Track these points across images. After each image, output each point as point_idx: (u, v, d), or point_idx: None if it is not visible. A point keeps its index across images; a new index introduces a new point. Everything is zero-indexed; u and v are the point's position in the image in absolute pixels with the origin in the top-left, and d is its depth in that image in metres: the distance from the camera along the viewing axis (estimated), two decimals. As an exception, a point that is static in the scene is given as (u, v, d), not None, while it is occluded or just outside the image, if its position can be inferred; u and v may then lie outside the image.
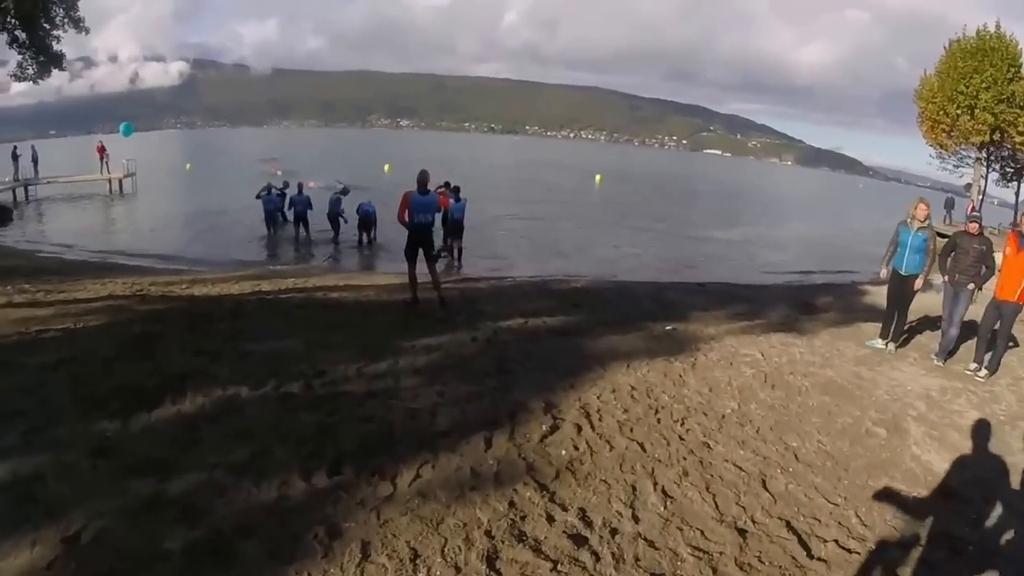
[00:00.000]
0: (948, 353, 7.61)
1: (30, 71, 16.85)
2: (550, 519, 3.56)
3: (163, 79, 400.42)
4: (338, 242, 17.30)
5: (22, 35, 16.23)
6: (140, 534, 3.16)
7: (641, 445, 4.62)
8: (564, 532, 3.44)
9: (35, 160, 28.78)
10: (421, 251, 8.87)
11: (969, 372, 7.19)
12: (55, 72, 18.16)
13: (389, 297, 9.64)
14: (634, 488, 4.00)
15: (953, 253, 7.47)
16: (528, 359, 6.54)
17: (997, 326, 7.20)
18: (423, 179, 8.67)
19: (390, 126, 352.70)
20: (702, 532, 3.60)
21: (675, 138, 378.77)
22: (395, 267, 11.42)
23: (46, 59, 16.78)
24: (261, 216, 18.16)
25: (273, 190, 18.24)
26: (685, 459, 4.48)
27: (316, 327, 7.39)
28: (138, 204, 26.82)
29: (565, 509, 3.67)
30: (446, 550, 3.21)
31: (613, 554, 3.31)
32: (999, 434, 5.45)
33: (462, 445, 4.33)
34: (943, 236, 8.11)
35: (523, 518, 3.55)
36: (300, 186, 18.18)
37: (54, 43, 16.83)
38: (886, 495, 4.23)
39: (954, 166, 31.00)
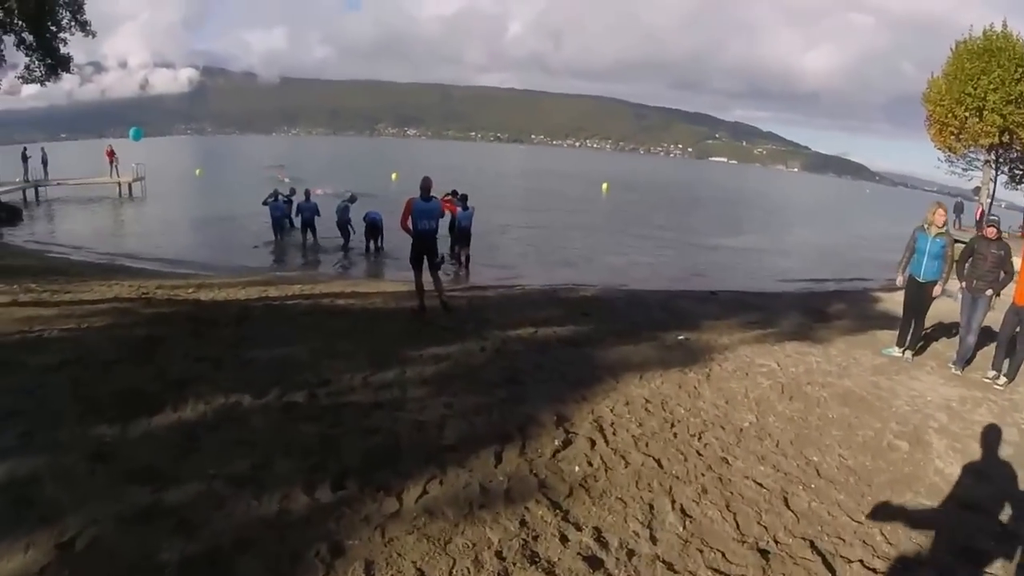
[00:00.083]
0: (965, 361, 7.44)
1: (37, 73, 16.92)
2: (564, 539, 3.38)
3: (173, 85, 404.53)
4: (347, 249, 17.20)
5: (29, 37, 16.29)
6: (135, 544, 3.05)
7: (658, 461, 4.44)
8: (579, 553, 3.27)
9: (45, 162, 28.92)
10: (426, 258, 8.80)
11: (987, 380, 7.04)
12: (66, 76, 18.28)
13: (396, 305, 9.49)
14: (651, 506, 3.83)
15: (971, 259, 7.32)
16: (538, 369, 6.38)
17: (1017, 331, 7.05)
18: (426, 185, 8.61)
19: (397, 135, 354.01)
20: (723, 554, 3.42)
21: (681, 146, 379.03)
22: (402, 275, 11.29)
23: (54, 62, 16.83)
24: (268, 222, 18.08)
25: (280, 197, 18.18)
26: (703, 475, 4.31)
27: (322, 334, 7.26)
28: (147, 208, 26.82)
29: (579, 529, 3.50)
30: (454, 572, 3.05)
31: (630, 578, 3.14)
32: (1022, 445, 5.31)
33: (471, 460, 4.16)
34: (960, 242, 7.93)
35: (535, 538, 3.37)
36: (307, 193, 18.07)
37: (61, 46, 16.89)
38: (910, 511, 4.07)
39: (963, 169, 30.71)
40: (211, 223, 21.53)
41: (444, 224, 15.53)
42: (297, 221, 17.97)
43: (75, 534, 3.09)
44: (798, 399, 6.07)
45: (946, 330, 9.06)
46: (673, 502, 3.90)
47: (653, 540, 3.47)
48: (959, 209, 28.27)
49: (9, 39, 16.51)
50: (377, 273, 14.88)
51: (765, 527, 3.73)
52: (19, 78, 17.35)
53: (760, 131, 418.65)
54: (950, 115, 27.32)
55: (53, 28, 16.76)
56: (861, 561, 3.45)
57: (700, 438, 4.96)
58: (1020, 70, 25.48)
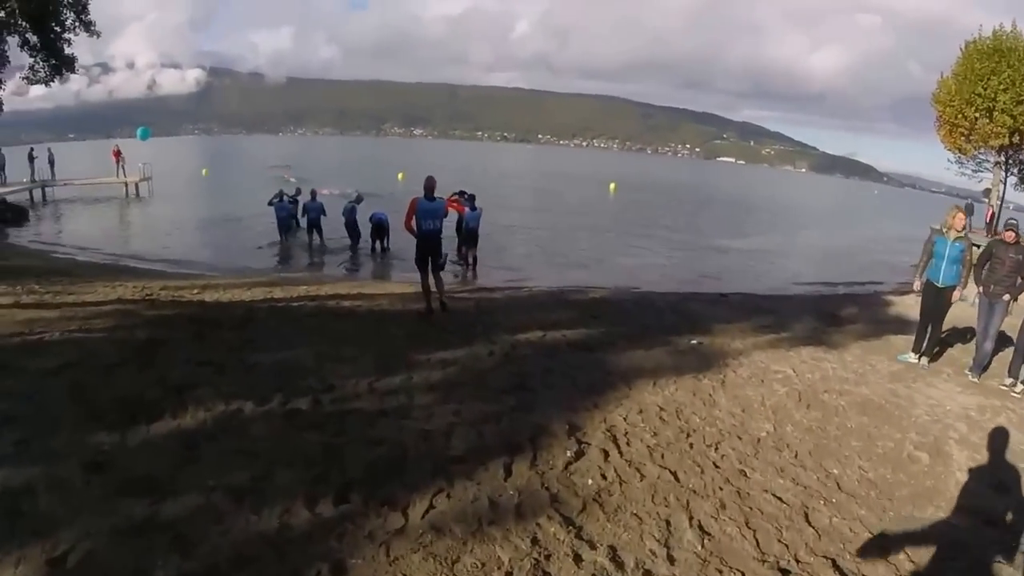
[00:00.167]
0: (982, 368, 7.29)
1: (42, 74, 16.85)
2: (577, 559, 3.22)
3: (180, 86, 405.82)
4: (354, 250, 17.08)
5: (33, 38, 16.25)
6: (129, 560, 2.93)
7: (674, 474, 4.28)
8: (593, 574, 3.12)
9: (51, 162, 28.91)
10: (430, 259, 8.71)
11: (1004, 388, 6.89)
12: (73, 77, 18.24)
13: (403, 307, 9.36)
14: (668, 523, 3.66)
15: (988, 263, 7.17)
16: (548, 375, 6.23)
17: None
18: (430, 185, 8.51)
19: (403, 135, 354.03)
20: (743, 574, 3.27)
21: (688, 146, 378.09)
22: (408, 276, 11.14)
23: (58, 62, 16.76)
24: (274, 223, 18.01)
25: (285, 197, 18.09)
26: (721, 489, 4.14)
27: (327, 338, 7.12)
28: (153, 208, 26.77)
29: (594, 547, 3.34)
30: (463, 594, 2.90)
31: (648, 600, 2.98)
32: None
33: (479, 472, 3.99)
34: (978, 246, 7.77)
35: (547, 557, 3.21)
36: (313, 193, 17.97)
37: (65, 46, 16.82)
38: (933, 527, 3.93)
39: (972, 170, 30.38)
40: (217, 223, 21.45)
41: (451, 224, 15.51)
42: (303, 221, 17.88)
43: (68, 549, 2.97)
44: (816, 407, 5.91)
45: (960, 335, 8.91)
46: (691, 518, 3.74)
47: (671, 560, 3.32)
48: (969, 210, 27.86)
49: (13, 40, 16.47)
50: (383, 274, 14.74)
51: (786, 545, 3.58)
52: (24, 79, 17.30)
53: (768, 131, 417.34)
54: (960, 116, 26.98)
55: (57, 29, 16.72)
56: (884, 581, 3.29)
57: (717, 448, 4.80)
58: (1031, 71, 25.21)
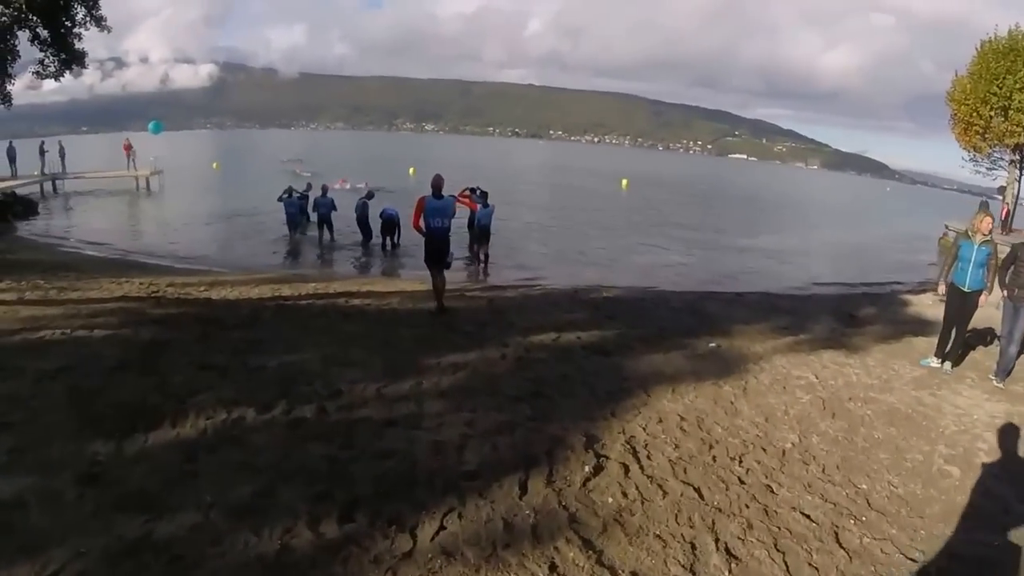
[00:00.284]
0: (1007, 373, 7.04)
1: (52, 69, 16.78)
2: (598, 588, 3.00)
3: (193, 81, 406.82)
4: (365, 246, 16.93)
5: (44, 33, 16.18)
6: (122, 584, 2.73)
7: (698, 490, 4.04)
8: (616, 606, 2.89)
9: (62, 155, 28.91)
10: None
11: None
12: (87, 71, 18.17)
13: (413, 306, 9.17)
14: (693, 546, 3.43)
15: (1012, 266, 6.94)
16: (563, 381, 6.00)
17: None
18: (437, 183, 8.36)
19: (415, 130, 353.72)
20: (775, 604, 3.03)
21: (700, 143, 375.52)
22: (418, 273, 10.96)
23: (68, 57, 16.68)
24: (284, 218, 17.89)
25: (294, 193, 17.97)
26: (747, 507, 3.90)
27: (335, 339, 6.93)
28: (163, 202, 26.75)
29: (616, 574, 3.11)
30: (476, 628, 2.68)
31: (676, 636, 2.76)
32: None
33: (493, 490, 3.76)
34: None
35: (567, 586, 2.99)
36: (324, 188, 17.82)
37: (76, 41, 16.73)
38: (966, 548, 3.70)
39: (987, 169, 30.17)
40: (227, 219, 21.35)
41: (463, 221, 15.30)
42: (314, 217, 17.75)
43: (57, 568, 2.83)
44: (841, 417, 5.66)
45: (981, 338, 8.62)
46: (717, 540, 3.51)
47: (698, 588, 3.09)
48: (984, 209, 27.62)
49: (24, 34, 16.40)
50: (393, 271, 14.56)
51: (816, 568, 3.36)
52: (34, 73, 17.23)
53: (780, 129, 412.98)
54: (975, 114, 27.05)
55: (68, 23, 16.64)
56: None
57: (741, 462, 4.56)
58: (1046, 70, 25.05)
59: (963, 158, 29.79)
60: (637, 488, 3.97)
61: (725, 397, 5.90)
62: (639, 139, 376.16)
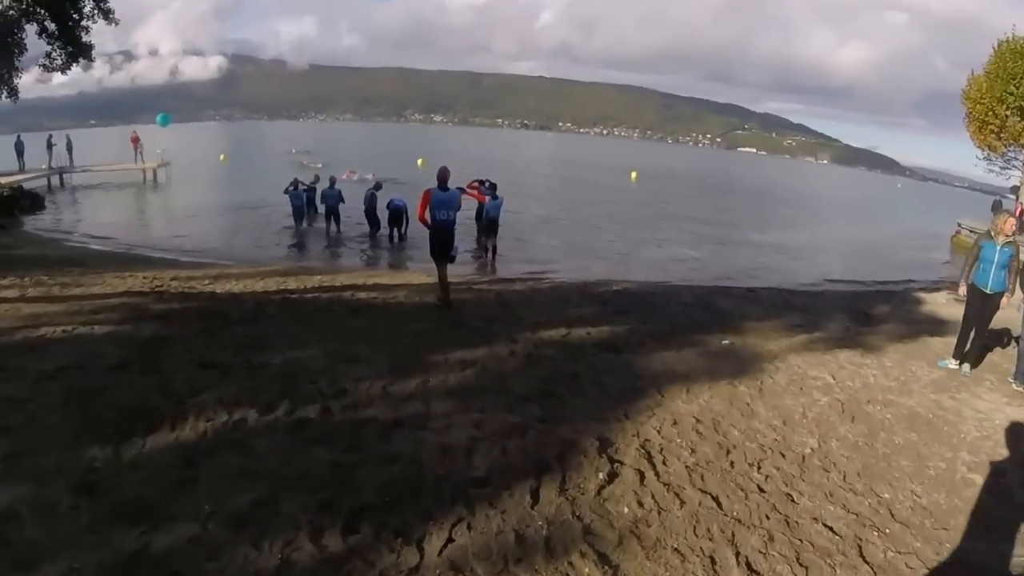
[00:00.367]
0: None
1: (59, 61, 16.74)
2: (615, 606, 2.84)
3: (202, 73, 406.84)
4: (372, 238, 16.81)
5: (51, 25, 16.13)
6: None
7: (716, 499, 3.87)
8: (634, 626, 2.73)
9: (70, 148, 28.89)
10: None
11: None
12: (96, 64, 18.16)
13: (420, 299, 9.04)
14: (713, 560, 3.27)
15: None
16: (574, 380, 5.84)
17: None
18: (443, 175, 8.27)
19: (424, 122, 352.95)
20: (799, 623, 2.87)
21: (709, 136, 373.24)
22: (426, 266, 10.81)
23: (75, 49, 16.63)
24: (290, 211, 17.81)
25: (300, 185, 17.85)
26: (768, 518, 3.74)
27: (340, 334, 6.80)
28: (170, 195, 26.67)
29: (633, 591, 2.96)
30: (486, 651, 2.52)
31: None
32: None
33: (504, 498, 3.60)
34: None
35: (582, 604, 2.83)
36: (332, 180, 17.68)
37: (83, 34, 16.68)
38: (993, 561, 3.56)
39: (1001, 168, 29.94)
40: (233, 211, 21.20)
41: (471, 213, 15.14)
42: (321, 208, 17.64)
43: (48, 585, 2.67)
44: (860, 420, 5.49)
45: (998, 339, 8.41)
46: (737, 554, 3.35)
47: (719, 606, 2.92)
48: (998, 207, 27.49)
49: (31, 28, 16.38)
50: (400, 264, 14.42)
51: (841, 586, 3.18)
52: (40, 66, 17.20)
53: (790, 123, 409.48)
54: (990, 113, 27.10)
55: (75, 16, 16.60)
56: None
57: (759, 468, 4.39)
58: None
59: (977, 156, 29.92)
60: (653, 497, 3.81)
61: (741, 398, 5.73)
62: (648, 132, 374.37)
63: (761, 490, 4.07)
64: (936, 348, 8.05)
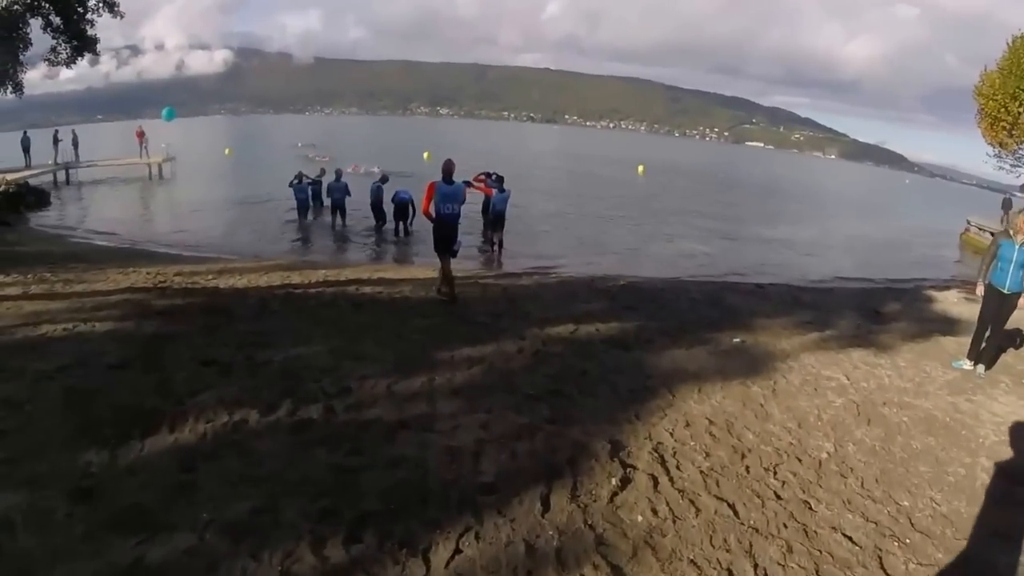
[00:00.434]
0: None
1: (64, 55, 16.68)
2: (630, 622, 2.71)
3: (208, 66, 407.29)
4: (378, 232, 16.68)
5: (56, 20, 16.08)
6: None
7: (732, 507, 3.73)
8: (650, 644, 2.60)
9: (75, 144, 28.83)
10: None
11: None
12: (103, 59, 18.20)
13: (426, 294, 8.92)
14: (731, 573, 3.13)
15: None
16: (583, 378, 5.71)
17: None
18: (448, 168, 8.12)
19: (430, 114, 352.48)
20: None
21: (716, 130, 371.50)
22: (431, 260, 10.67)
23: (80, 43, 16.58)
24: (294, 205, 17.72)
25: (304, 179, 17.74)
26: (786, 527, 3.60)
27: (344, 331, 6.68)
28: (175, 189, 26.58)
29: (648, 606, 2.82)
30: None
31: None
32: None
33: (513, 505, 3.47)
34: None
35: (595, 620, 2.70)
36: (338, 173, 17.56)
37: (88, 28, 16.62)
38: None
39: (1011, 165, 29.60)
40: (238, 205, 21.10)
41: (477, 206, 14.98)
42: (327, 202, 17.53)
43: (42, 598, 2.56)
44: (877, 423, 5.33)
45: (1011, 340, 8.23)
46: (756, 565, 3.22)
47: (739, 622, 2.79)
48: (1007, 205, 27.27)
49: (36, 22, 16.34)
50: (405, 258, 14.31)
51: (863, 599, 3.05)
52: (45, 60, 17.16)
53: (798, 117, 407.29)
54: (1003, 110, 26.77)
55: (80, 10, 16.55)
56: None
57: (776, 473, 4.24)
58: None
59: (987, 153, 29.68)
60: (668, 504, 3.68)
61: (754, 399, 5.59)
62: (655, 125, 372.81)
63: (778, 497, 3.93)
64: (949, 348, 7.88)
